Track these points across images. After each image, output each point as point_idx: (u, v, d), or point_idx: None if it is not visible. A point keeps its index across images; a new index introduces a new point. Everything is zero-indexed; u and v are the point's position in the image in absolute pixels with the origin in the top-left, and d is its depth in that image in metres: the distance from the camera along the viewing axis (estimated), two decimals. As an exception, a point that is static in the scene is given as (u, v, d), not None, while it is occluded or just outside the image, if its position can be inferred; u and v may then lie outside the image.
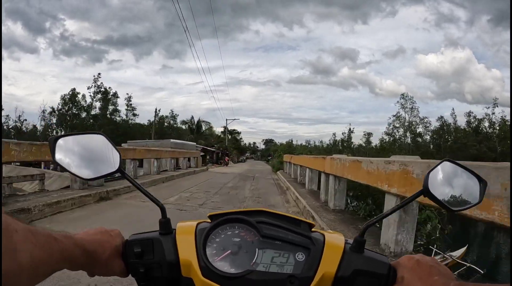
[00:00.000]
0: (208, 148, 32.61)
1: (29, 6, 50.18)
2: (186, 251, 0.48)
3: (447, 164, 0.51)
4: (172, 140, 22.08)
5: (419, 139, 39.72)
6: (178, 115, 48.11)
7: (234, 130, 64.26)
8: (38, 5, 50.60)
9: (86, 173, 0.51)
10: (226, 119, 47.79)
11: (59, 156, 0.50)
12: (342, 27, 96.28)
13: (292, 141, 42.41)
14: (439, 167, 0.51)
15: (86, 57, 59.87)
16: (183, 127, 46.17)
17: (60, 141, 0.51)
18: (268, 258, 0.47)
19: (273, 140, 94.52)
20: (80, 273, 0.47)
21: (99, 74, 48.97)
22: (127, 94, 50.42)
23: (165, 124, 46.37)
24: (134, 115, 43.59)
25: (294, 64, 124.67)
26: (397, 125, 41.51)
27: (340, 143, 47.98)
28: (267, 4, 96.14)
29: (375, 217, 0.53)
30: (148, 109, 46.32)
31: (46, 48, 57.49)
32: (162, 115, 47.18)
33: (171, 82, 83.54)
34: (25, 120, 38.25)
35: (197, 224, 0.52)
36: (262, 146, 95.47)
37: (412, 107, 41.03)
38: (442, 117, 39.60)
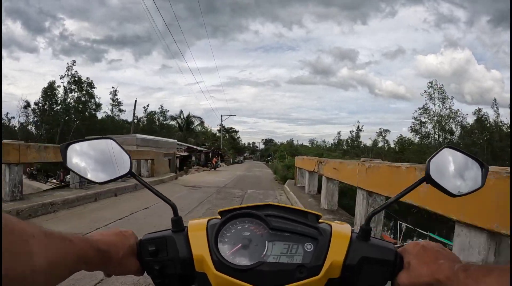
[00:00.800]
0: (194, 148, 27.25)
1: (28, 5, 49.48)
2: (199, 247, 0.50)
3: (448, 151, 0.52)
4: (138, 135, 16.88)
5: (450, 137, 32.51)
6: (168, 111, 43.07)
7: (231, 128, 60.77)
8: (38, 5, 49.97)
9: (99, 177, 0.53)
10: (222, 115, 41.45)
11: (71, 162, 0.52)
12: (342, 28, 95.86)
13: (292, 140, 37.44)
14: (440, 153, 0.51)
15: (85, 57, 58.57)
16: (174, 123, 41.12)
17: (72, 147, 0.53)
18: (278, 249, 0.49)
19: (272, 140, 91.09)
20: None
21: (74, 61, 42.90)
22: (112, 87, 46.13)
23: (158, 122, 41.73)
24: (121, 110, 38.43)
25: (294, 64, 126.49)
26: (425, 119, 34.01)
27: (346, 143, 41.98)
28: (266, 4, 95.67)
29: (379, 206, 0.54)
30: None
31: (46, 48, 56.41)
32: (152, 111, 42.79)
33: (170, 82, 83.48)
34: (13, 117, 33.37)
35: (208, 221, 0.54)
36: (261, 146, 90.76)
37: (444, 97, 33.67)
38: (479, 109, 32.40)
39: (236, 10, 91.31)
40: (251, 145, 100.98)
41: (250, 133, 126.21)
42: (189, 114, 40.04)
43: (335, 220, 3.40)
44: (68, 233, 0.42)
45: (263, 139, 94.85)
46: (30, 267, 0.34)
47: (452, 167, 0.51)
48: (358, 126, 41.75)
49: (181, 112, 40.76)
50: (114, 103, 37.07)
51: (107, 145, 0.55)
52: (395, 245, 0.51)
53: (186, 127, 38.36)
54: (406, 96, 71.63)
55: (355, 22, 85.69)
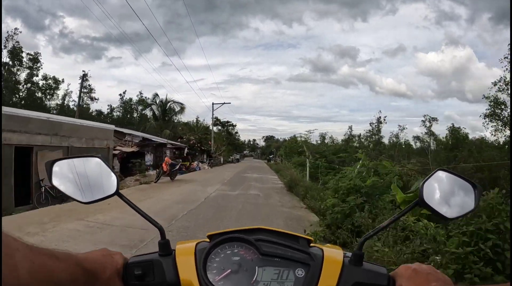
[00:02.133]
0: (154, 140, 18.27)
1: (28, 3, 48.03)
2: (187, 271, 0.49)
3: (440, 173, 0.53)
4: (11, 110, 9.19)
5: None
6: (148, 98, 35.51)
7: (228, 122, 53.95)
8: (37, 3, 48.54)
9: (82, 198, 0.52)
10: (213, 103, 35.22)
11: (56, 180, 0.52)
12: (342, 25, 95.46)
13: (295, 136, 29.90)
14: (433, 176, 0.52)
15: (85, 54, 59.72)
16: (148, 111, 33.34)
17: (56, 165, 0.52)
18: (268, 275, 0.49)
19: (274, 136, 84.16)
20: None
21: (16, 28, 33.75)
22: (83, 71, 36.39)
23: (136, 111, 36.63)
24: (92, 99, 32.13)
25: (294, 62, 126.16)
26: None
27: (365, 138, 32.97)
28: (266, 1, 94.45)
29: (371, 230, 0.55)
30: (124, 96, 40.66)
31: (46, 46, 52.86)
32: (130, 98, 37.61)
33: (170, 80, 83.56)
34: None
35: (196, 244, 0.54)
36: (262, 143, 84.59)
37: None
38: None
39: (236, 7, 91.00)
40: (251, 143, 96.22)
41: (251, 131, 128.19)
42: (166, 99, 30.73)
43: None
44: (54, 250, 0.42)
45: (263, 136, 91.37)
46: (16, 281, 0.34)
47: (445, 190, 0.52)
48: (379, 117, 32.96)
49: (156, 95, 31.10)
50: (84, 91, 29.99)
51: (95, 164, 0.55)
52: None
53: (163, 115, 30.23)
54: (407, 94, 72.02)
55: (355, 19, 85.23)
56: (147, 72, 78.76)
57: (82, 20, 63.20)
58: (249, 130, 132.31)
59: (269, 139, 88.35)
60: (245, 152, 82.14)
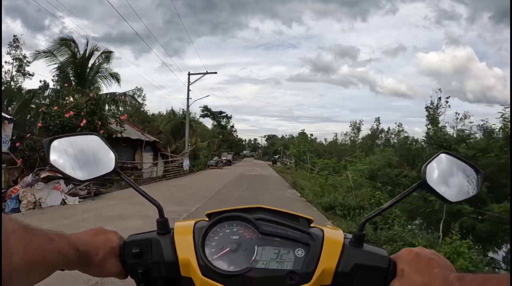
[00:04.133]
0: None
1: (27, 3, 48.07)
2: (185, 250, 0.49)
3: (444, 156, 0.53)
4: None
5: None
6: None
7: (221, 112, 46.12)
8: (37, 2, 47.31)
9: (80, 175, 0.52)
10: (189, 74, 22.39)
11: (53, 157, 0.51)
12: (342, 25, 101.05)
13: (304, 131, 27.95)
14: (436, 159, 0.52)
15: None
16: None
17: (55, 143, 0.52)
18: (267, 255, 0.48)
19: (276, 135, 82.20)
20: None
21: None
22: (14, 33, 26.02)
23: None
24: (24, 74, 20.96)
25: (294, 62, 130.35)
26: None
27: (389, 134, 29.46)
28: (265, 0, 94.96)
29: (373, 211, 0.54)
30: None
31: (46, 45, 47.42)
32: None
33: (170, 80, 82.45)
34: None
35: (195, 223, 0.54)
36: (263, 142, 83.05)
37: None
38: None
39: (235, 7, 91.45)
40: (252, 142, 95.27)
41: (252, 131, 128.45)
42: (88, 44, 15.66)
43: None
44: (49, 231, 0.42)
45: (265, 135, 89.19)
46: (9, 265, 0.34)
47: (448, 173, 0.52)
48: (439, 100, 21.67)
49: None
50: (14, 62, 20.22)
51: (92, 142, 0.55)
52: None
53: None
54: (407, 94, 73.61)
55: (355, 19, 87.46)
56: (146, 72, 77.49)
57: (81, 20, 64.97)
58: (249, 130, 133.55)
59: (271, 138, 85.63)
60: (245, 152, 79.66)
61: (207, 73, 22.06)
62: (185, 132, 22.08)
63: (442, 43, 75.02)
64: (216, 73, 23.10)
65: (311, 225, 0.54)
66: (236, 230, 0.51)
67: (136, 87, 29.29)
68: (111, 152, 0.55)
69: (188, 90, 21.71)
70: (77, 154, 0.53)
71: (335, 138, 38.18)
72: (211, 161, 25.30)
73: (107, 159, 0.54)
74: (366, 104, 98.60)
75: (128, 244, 0.51)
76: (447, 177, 0.51)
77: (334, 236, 0.51)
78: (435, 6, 74.77)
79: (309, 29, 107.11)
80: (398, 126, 30.89)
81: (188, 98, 21.96)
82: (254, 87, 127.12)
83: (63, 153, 0.52)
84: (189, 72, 22.10)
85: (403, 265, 0.45)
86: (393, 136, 31.59)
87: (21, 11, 48.16)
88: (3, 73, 19.36)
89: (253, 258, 0.48)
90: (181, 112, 26.88)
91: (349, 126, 36.38)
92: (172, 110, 27.54)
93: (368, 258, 0.48)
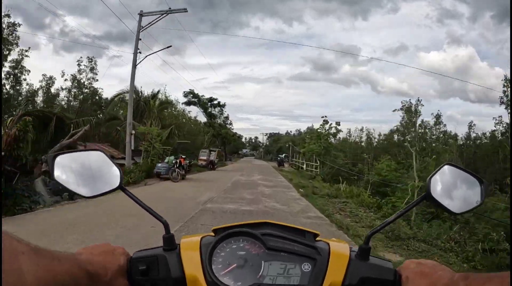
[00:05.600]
0: None
1: (28, 1, 48.02)
2: (192, 266, 0.49)
3: (447, 168, 0.53)
4: None
5: None
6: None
7: (212, 99, 33.50)
8: (37, 1, 46.85)
9: (85, 191, 0.52)
10: (140, 14, 14.09)
11: (57, 173, 0.51)
12: (343, 24, 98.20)
13: (313, 125, 24.36)
14: (440, 171, 0.53)
15: (86, 53, 57.54)
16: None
17: (58, 159, 0.52)
18: (274, 270, 0.49)
19: (278, 132, 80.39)
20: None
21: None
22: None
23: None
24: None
25: (295, 61, 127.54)
26: None
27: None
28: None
29: (379, 225, 0.54)
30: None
31: (47, 44, 56.38)
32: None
33: (172, 78, 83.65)
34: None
35: (201, 239, 0.54)
36: (264, 140, 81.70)
37: None
38: None
39: (235, 6, 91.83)
40: (253, 141, 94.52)
41: (253, 130, 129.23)
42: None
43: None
44: (56, 252, 0.42)
45: (267, 134, 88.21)
46: (22, 284, 0.35)
47: (452, 185, 0.52)
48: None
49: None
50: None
51: (97, 158, 0.55)
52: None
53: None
54: (409, 93, 73.49)
55: (356, 18, 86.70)
56: (148, 70, 75.66)
57: (82, 18, 61.89)
58: (251, 129, 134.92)
59: (273, 136, 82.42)
60: (244, 151, 77.47)
61: (170, 11, 13.80)
62: (148, 115, 16.42)
63: (443, 43, 73.22)
64: (186, 10, 14.25)
65: (317, 238, 0.54)
66: (242, 245, 0.51)
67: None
68: (116, 168, 0.55)
69: (138, 38, 13.81)
70: (81, 170, 0.53)
71: (348, 135, 35.12)
72: (159, 164, 12.74)
73: (112, 176, 0.54)
74: (368, 103, 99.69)
75: (134, 260, 0.51)
76: (451, 189, 0.52)
77: (340, 249, 0.52)
78: (436, 5, 73.95)
79: (309, 28, 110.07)
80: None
81: (136, 52, 13.81)
82: (256, 86, 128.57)
83: (67, 169, 0.52)
84: (141, 11, 13.97)
85: (408, 273, 0.47)
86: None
87: (22, 10, 48.02)
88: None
89: (260, 274, 0.48)
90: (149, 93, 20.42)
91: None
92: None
93: (374, 271, 0.49)
